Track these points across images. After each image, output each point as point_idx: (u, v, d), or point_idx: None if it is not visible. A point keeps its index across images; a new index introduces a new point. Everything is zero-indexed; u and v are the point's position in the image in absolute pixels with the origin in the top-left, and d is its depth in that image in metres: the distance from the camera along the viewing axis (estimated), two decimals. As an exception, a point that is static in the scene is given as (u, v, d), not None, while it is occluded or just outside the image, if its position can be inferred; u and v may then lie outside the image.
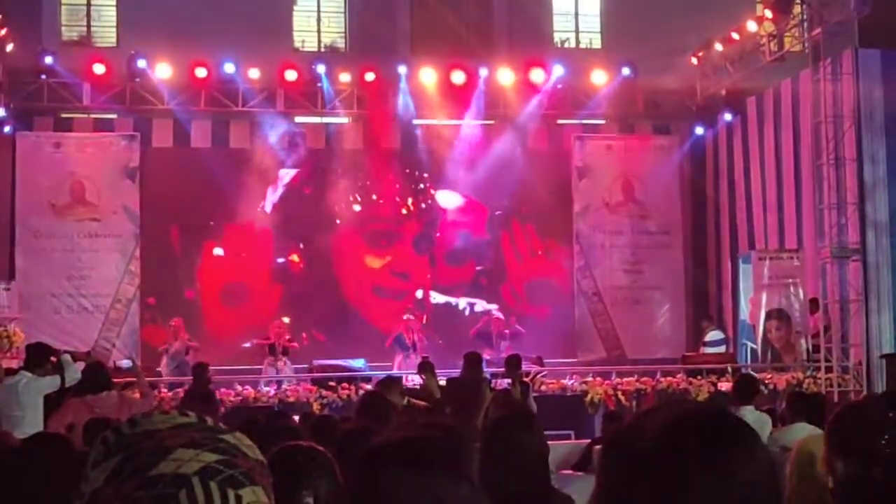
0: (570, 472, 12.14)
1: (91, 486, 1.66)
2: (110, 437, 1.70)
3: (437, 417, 7.74)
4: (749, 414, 10.90)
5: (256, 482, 1.68)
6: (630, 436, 2.24)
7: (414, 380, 18.46)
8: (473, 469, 2.38)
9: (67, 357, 12.45)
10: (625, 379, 21.00)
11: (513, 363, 17.31)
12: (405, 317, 23.67)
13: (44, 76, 24.13)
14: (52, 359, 12.57)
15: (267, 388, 19.98)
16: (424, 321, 24.68)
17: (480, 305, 25.74)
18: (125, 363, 20.76)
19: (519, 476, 4.67)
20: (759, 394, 12.76)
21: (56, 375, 11.94)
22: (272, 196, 25.54)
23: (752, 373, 17.94)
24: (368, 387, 19.80)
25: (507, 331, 23.57)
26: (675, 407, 2.26)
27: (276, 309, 24.73)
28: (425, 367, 15.59)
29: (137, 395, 13.13)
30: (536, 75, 25.36)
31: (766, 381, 19.60)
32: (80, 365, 12.25)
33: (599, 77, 25.64)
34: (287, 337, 22.84)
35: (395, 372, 20.34)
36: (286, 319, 23.63)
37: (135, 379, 14.19)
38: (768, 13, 23.57)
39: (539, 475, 4.83)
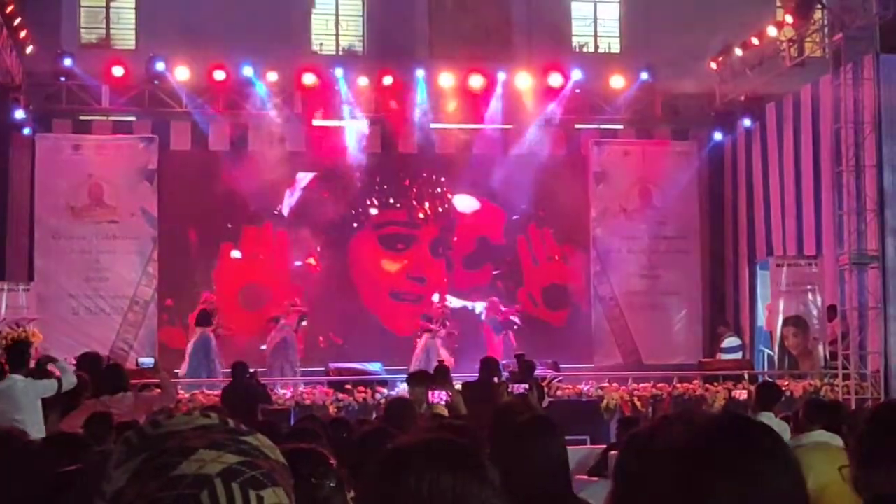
0: (585, 477, 12.10)
1: (113, 486, 1.67)
2: (133, 438, 1.70)
3: (454, 421, 7.74)
4: (768, 421, 10.86)
5: (278, 483, 1.68)
6: (652, 439, 2.22)
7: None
8: (494, 472, 2.37)
9: (64, 363, 12.48)
10: (641, 384, 20.96)
11: (528, 368, 17.31)
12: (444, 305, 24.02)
13: (63, 78, 24.25)
14: (51, 368, 12.59)
15: (283, 391, 19.99)
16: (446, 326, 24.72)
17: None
18: (147, 361, 20.92)
19: (539, 480, 4.66)
20: (780, 401, 12.71)
21: (54, 380, 11.95)
22: (289, 199, 25.60)
23: (773, 380, 17.88)
24: (384, 390, 19.92)
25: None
26: (701, 412, 2.27)
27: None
28: (442, 376, 15.50)
29: (156, 392, 13.19)
30: (554, 80, 25.37)
31: (783, 388, 19.56)
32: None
33: (618, 82, 25.64)
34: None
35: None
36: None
37: (155, 380, 14.27)
38: (789, 18, 23.51)
39: (559, 479, 4.82)
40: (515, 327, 24.31)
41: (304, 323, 23.71)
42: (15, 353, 12.88)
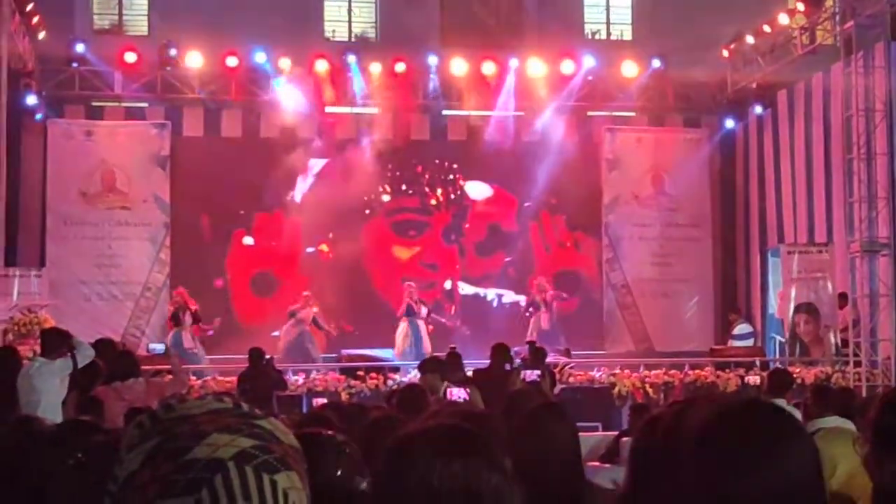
0: (597, 463, 12.12)
1: (126, 470, 1.68)
2: (146, 422, 1.71)
3: (469, 407, 7.75)
4: (779, 408, 10.84)
5: (291, 467, 1.69)
6: (674, 425, 2.23)
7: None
8: (506, 457, 2.39)
9: (79, 339, 12.54)
10: (653, 371, 20.95)
11: (540, 355, 17.30)
12: (407, 283, 23.87)
13: (75, 64, 24.26)
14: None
15: (296, 378, 20.00)
16: (453, 311, 24.73)
17: (509, 297, 25.74)
18: (158, 348, 20.96)
19: (551, 466, 4.68)
20: (792, 388, 12.67)
21: (67, 357, 12.00)
22: (302, 185, 25.60)
23: (784, 367, 17.85)
24: (396, 376, 19.92)
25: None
26: (720, 399, 2.26)
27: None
28: (454, 363, 15.46)
29: (168, 378, 13.24)
30: (567, 67, 25.31)
31: (795, 376, 19.51)
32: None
33: (630, 69, 25.57)
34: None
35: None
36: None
37: (166, 366, 14.33)
38: (800, 6, 23.44)
39: (571, 465, 4.83)
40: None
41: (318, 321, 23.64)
42: (47, 338, 12.98)
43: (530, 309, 24.51)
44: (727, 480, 2.15)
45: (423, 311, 23.52)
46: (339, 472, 3.40)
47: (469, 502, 2.24)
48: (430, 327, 23.96)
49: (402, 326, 23.34)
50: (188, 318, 22.74)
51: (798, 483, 2.18)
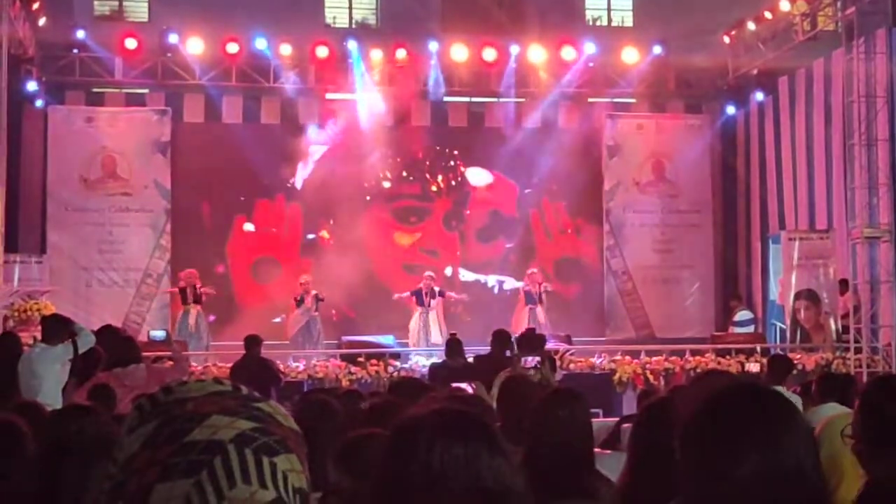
0: (598, 450, 12.11)
1: (126, 453, 1.67)
2: (146, 404, 1.71)
3: (462, 393, 7.75)
4: (779, 394, 10.85)
5: (291, 450, 1.68)
6: (669, 408, 2.25)
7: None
8: (505, 441, 2.38)
9: (80, 325, 12.56)
10: (653, 358, 20.95)
11: (539, 342, 17.29)
12: (427, 273, 23.79)
13: (76, 50, 24.25)
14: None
15: (296, 364, 20.01)
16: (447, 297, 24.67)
17: (509, 283, 25.70)
18: (159, 334, 20.96)
19: (565, 450, 4.67)
20: (792, 374, 12.68)
21: (68, 343, 12.02)
22: (302, 172, 25.58)
23: (785, 353, 17.84)
24: (397, 363, 19.92)
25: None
26: (716, 382, 2.28)
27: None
28: (453, 349, 15.48)
29: (169, 364, 13.26)
30: (568, 53, 25.27)
31: (796, 362, 19.52)
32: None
33: (631, 55, 25.53)
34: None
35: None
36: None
37: (167, 353, 14.35)
38: (801, -8, 23.42)
39: (583, 451, 4.82)
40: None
41: (322, 300, 23.49)
42: (48, 323, 13.01)
43: (528, 305, 24.39)
44: (722, 463, 2.17)
45: (433, 303, 23.42)
46: None
47: (470, 485, 2.24)
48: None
49: (415, 316, 23.33)
50: (191, 297, 22.72)
51: (792, 463, 2.19)
